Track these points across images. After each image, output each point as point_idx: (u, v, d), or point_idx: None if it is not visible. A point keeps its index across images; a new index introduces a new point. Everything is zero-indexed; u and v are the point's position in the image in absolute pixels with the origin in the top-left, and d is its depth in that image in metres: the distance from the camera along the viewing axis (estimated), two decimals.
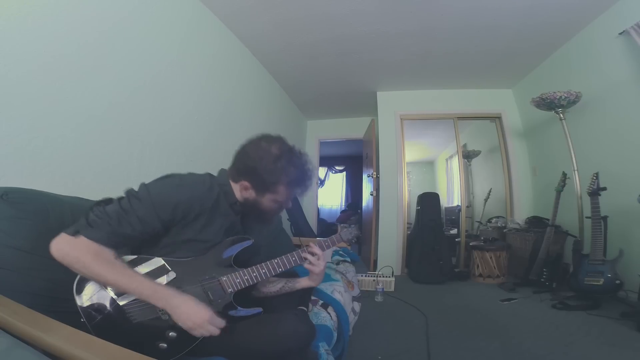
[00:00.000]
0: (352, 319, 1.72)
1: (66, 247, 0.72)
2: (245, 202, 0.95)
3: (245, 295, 0.95)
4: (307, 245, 1.05)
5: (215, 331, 0.78)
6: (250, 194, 0.93)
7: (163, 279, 0.83)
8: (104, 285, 0.78)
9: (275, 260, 0.98)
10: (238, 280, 0.90)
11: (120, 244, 0.78)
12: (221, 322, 0.80)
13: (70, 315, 0.74)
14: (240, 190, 0.94)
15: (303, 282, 1.11)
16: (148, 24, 1.76)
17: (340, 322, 1.41)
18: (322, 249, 1.06)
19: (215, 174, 0.98)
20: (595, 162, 2.51)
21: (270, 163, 0.88)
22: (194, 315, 0.76)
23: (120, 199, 0.80)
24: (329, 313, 1.35)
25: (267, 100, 3.52)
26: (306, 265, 1.03)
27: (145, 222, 0.78)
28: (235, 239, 0.95)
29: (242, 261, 0.96)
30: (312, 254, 1.03)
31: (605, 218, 2.20)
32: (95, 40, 1.42)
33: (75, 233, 0.73)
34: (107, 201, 0.80)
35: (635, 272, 2.05)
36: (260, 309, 0.93)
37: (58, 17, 1.25)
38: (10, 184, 0.92)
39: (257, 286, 1.01)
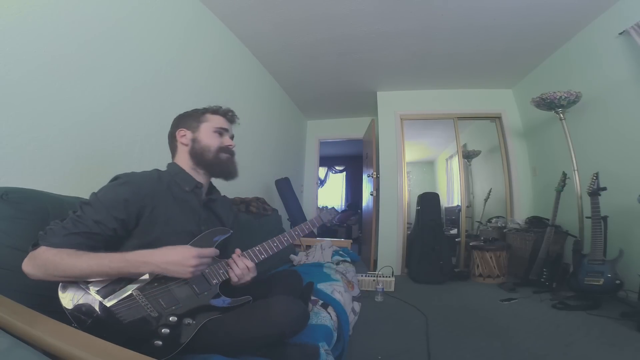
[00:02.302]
0: (352, 319, 1.72)
1: (30, 261, 0.73)
2: (192, 158, 1.01)
3: (240, 290, 0.95)
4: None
5: (207, 259, 0.83)
6: (188, 136, 1.02)
7: (145, 277, 0.81)
8: (83, 279, 0.76)
9: (257, 247, 0.98)
10: (222, 271, 0.91)
11: (81, 245, 0.76)
12: (211, 251, 0.84)
13: None
14: (180, 144, 1.02)
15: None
16: (148, 24, 1.76)
17: (340, 322, 1.41)
18: (255, 260, 0.98)
19: None
20: (595, 162, 2.51)
21: (194, 109, 1.08)
22: (176, 256, 0.78)
23: (73, 211, 0.81)
24: (329, 313, 1.35)
25: (267, 100, 3.52)
26: (231, 275, 0.93)
27: (101, 223, 0.79)
28: (215, 230, 0.95)
29: (225, 254, 0.96)
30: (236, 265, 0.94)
31: (605, 218, 2.20)
32: (95, 40, 1.42)
33: (34, 246, 0.74)
34: (63, 218, 0.80)
35: (635, 272, 2.05)
36: (249, 297, 0.93)
37: (58, 17, 1.25)
38: (10, 184, 0.92)
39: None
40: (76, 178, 1.32)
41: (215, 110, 1.07)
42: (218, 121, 1.05)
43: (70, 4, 1.30)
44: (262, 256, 0.99)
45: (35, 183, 1.02)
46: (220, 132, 1.05)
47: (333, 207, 1.24)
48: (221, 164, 1.03)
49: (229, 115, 1.09)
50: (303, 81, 3.76)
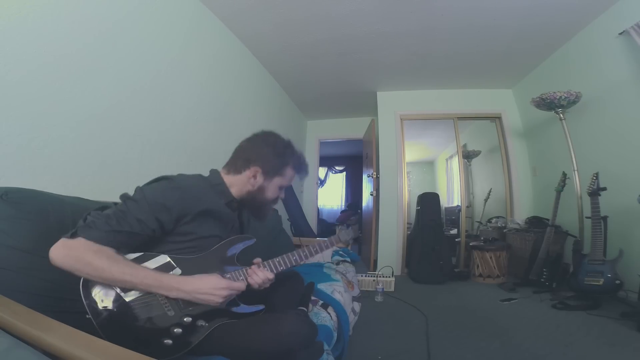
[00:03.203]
0: (352, 319, 1.72)
1: (64, 250, 0.71)
2: (247, 195, 1.01)
3: (249, 293, 0.95)
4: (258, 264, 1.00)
5: (237, 289, 0.85)
6: (259, 180, 1.00)
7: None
8: (109, 282, 0.76)
9: (277, 259, 1.00)
10: (241, 278, 0.92)
11: (121, 244, 0.78)
12: (241, 286, 0.86)
13: (71, 315, 0.74)
14: (248, 179, 1.00)
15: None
16: (148, 24, 1.76)
17: (340, 322, 1.41)
18: (275, 271, 1.00)
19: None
20: (595, 162, 2.51)
21: (282, 148, 1.03)
22: (207, 287, 0.80)
23: (116, 204, 0.82)
24: (329, 313, 1.35)
25: (267, 100, 3.52)
26: (251, 282, 0.95)
27: (143, 222, 0.79)
28: (239, 237, 0.97)
29: (243, 259, 0.97)
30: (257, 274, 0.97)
31: (605, 218, 2.20)
32: (95, 40, 1.42)
33: (73, 235, 0.73)
34: (104, 207, 0.81)
35: (635, 272, 2.05)
36: (262, 306, 0.94)
37: (58, 17, 1.25)
38: (10, 184, 0.92)
39: None
40: (76, 178, 1.32)
41: (296, 166, 1.07)
42: (289, 179, 1.06)
43: (70, 4, 1.30)
44: (281, 268, 1.01)
45: (35, 183, 1.02)
46: (283, 187, 1.06)
47: (350, 227, 1.25)
48: (263, 210, 1.07)
49: (303, 174, 1.11)
50: (303, 81, 3.76)
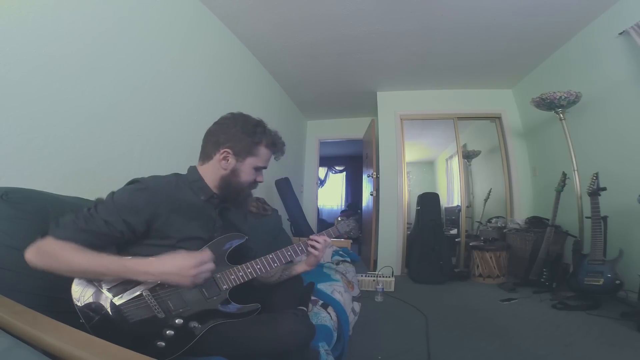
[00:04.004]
0: (352, 319, 1.72)
1: (34, 250, 0.73)
2: (221, 181, 0.96)
3: (244, 292, 0.95)
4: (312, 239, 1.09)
5: (208, 267, 0.81)
6: (231, 162, 0.95)
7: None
8: (79, 275, 0.76)
9: (270, 256, 0.98)
10: (233, 277, 0.91)
11: (88, 243, 0.76)
12: (207, 255, 0.82)
13: (70, 315, 0.74)
14: (219, 162, 0.95)
15: (299, 268, 1.15)
16: (148, 24, 1.76)
17: (340, 322, 1.41)
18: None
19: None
20: (595, 162, 2.51)
21: (251, 126, 0.97)
22: (173, 266, 0.77)
23: (88, 208, 0.81)
24: (329, 313, 1.35)
25: (267, 100, 3.52)
26: (310, 249, 1.07)
27: (110, 224, 0.78)
28: (229, 235, 0.96)
29: (235, 258, 0.96)
30: (317, 242, 1.08)
31: (605, 218, 2.20)
32: (95, 40, 1.42)
33: (43, 236, 0.74)
34: (77, 212, 0.80)
35: (635, 272, 2.05)
36: (258, 305, 0.93)
37: (58, 17, 1.25)
38: (10, 184, 0.92)
39: (256, 278, 0.99)
40: (76, 178, 1.32)
41: (271, 144, 1.00)
42: (264, 158, 1.00)
43: (70, 4, 1.30)
44: (276, 263, 1.01)
45: (35, 183, 1.02)
46: (260, 169, 1.01)
47: (352, 219, 1.18)
48: (240, 198, 1.01)
49: (278, 153, 1.04)
50: (303, 81, 3.76)
